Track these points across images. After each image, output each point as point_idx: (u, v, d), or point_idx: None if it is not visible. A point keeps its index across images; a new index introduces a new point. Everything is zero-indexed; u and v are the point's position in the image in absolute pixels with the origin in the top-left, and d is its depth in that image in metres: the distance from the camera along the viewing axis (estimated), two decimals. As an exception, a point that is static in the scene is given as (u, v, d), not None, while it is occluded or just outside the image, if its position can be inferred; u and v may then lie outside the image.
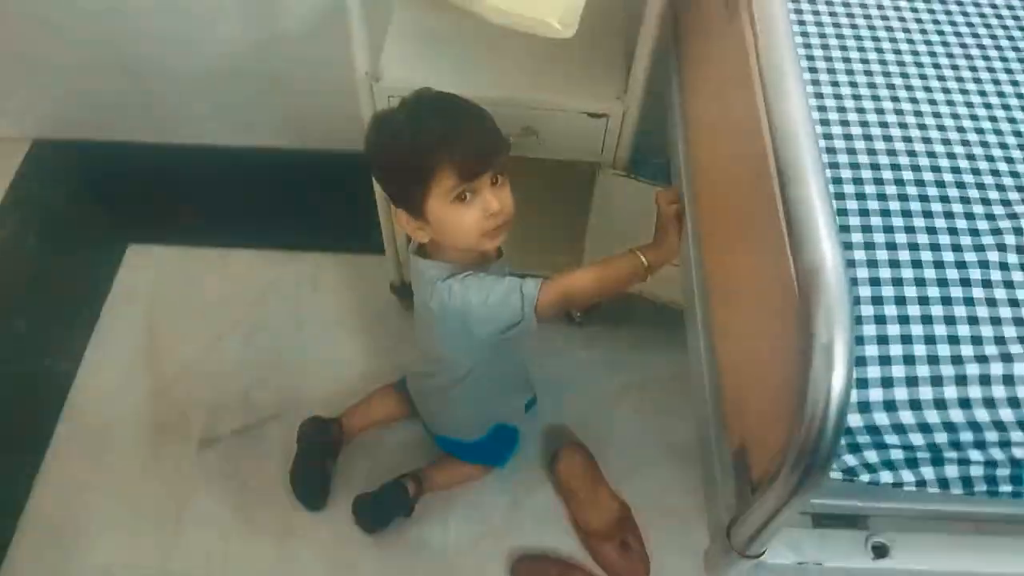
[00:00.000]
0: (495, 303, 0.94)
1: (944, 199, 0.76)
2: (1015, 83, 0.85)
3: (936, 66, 0.87)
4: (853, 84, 0.84)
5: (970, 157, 0.79)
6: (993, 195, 0.76)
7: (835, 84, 0.84)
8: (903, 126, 0.81)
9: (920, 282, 0.70)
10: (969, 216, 0.75)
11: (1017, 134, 0.81)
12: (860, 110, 0.82)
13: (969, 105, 0.83)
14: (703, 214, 0.87)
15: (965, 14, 0.93)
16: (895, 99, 0.83)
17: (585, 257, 1.33)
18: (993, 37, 0.90)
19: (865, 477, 0.64)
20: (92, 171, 1.80)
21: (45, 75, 1.66)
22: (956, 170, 0.78)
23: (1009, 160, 0.79)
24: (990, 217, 0.75)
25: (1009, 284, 0.71)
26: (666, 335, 1.54)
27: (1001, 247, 0.73)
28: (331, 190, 1.75)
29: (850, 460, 0.64)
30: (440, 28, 1.20)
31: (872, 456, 0.64)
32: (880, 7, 0.93)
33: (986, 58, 0.88)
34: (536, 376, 1.47)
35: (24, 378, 1.48)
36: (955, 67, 0.87)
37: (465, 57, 1.17)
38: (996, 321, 0.68)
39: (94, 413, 1.45)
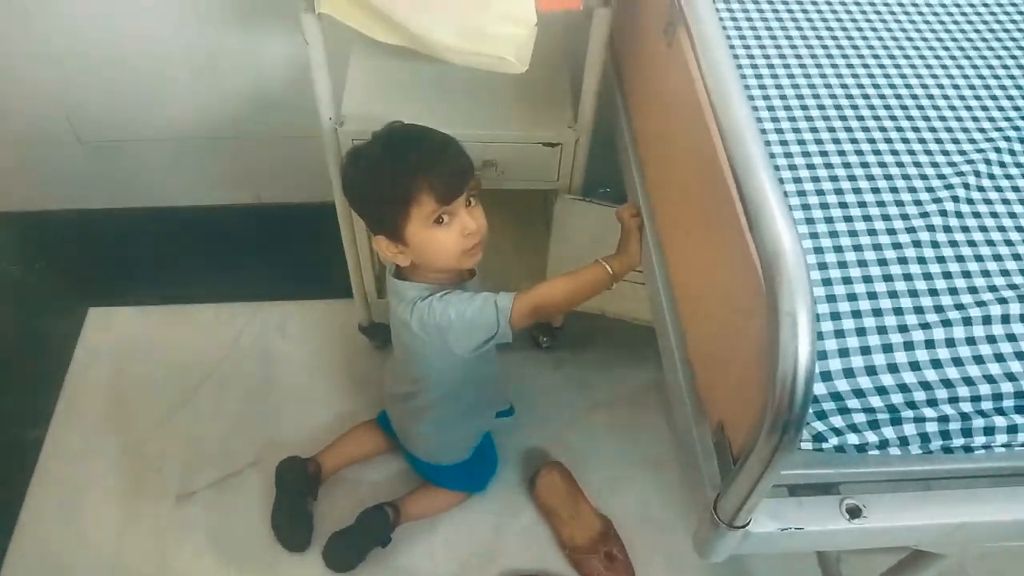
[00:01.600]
0: (472, 317, 0.99)
1: (876, 190, 0.84)
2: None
3: (866, 46, 0.99)
4: (790, 76, 0.94)
5: (894, 153, 0.88)
6: (918, 183, 0.85)
7: (775, 77, 0.93)
8: (840, 116, 0.90)
9: (863, 263, 0.78)
10: (899, 203, 0.83)
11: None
12: (790, 108, 0.91)
13: (898, 96, 0.94)
14: (661, 223, 0.94)
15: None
16: (836, 82, 0.94)
17: (548, 272, 1.39)
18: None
19: (833, 440, 0.70)
20: (47, 240, 1.80)
21: (-3, 149, 1.67)
22: (883, 164, 0.87)
23: (928, 152, 0.88)
24: (917, 203, 0.84)
25: (941, 259, 0.79)
26: (631, 354, 1.62)
27: (930, 228, 0.81)
28: (291, 241, 1.78)
29: (818, 426, 0.70)
30: (396, 73, 1.27)
31: (837, 421, 0.70)
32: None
33: (908, 38, 1.01)
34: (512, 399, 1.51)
35: (-10, 448, 1.45)
36: (885, 47, 0.99)
37: (422, 99, 1.23)
38: (933, 292, 0.76)
39: (65, 478, 1.42)
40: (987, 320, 0.74)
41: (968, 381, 0.71)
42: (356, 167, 1.01)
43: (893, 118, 0.91)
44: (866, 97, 0.93)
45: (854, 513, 0.74)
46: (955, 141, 0.90)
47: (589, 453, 1.49)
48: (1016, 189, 0.86)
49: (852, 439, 0.70)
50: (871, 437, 0.70)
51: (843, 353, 0.72)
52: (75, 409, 1.51)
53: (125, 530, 1.37)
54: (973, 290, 0.77)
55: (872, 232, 0.80)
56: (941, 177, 0.86)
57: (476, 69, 1.18)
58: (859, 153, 0.87)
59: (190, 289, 1.69)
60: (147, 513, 1.39)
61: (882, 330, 0.73)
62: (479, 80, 1.25)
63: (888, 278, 0.77)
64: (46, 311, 1.67)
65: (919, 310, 0.75)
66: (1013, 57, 1.00)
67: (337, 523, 1.34)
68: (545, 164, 1.23)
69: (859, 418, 0.70)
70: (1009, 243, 0.81)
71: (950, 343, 0.73)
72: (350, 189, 1.04)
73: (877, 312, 0.74)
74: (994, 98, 0.95)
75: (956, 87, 0.96)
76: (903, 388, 0.71)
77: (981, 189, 0.85)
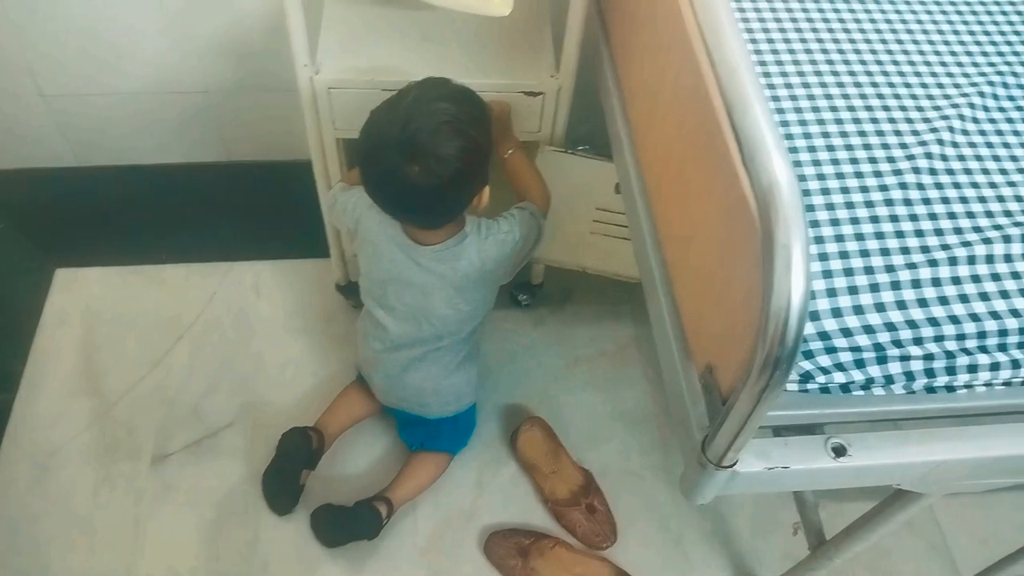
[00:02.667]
0: (526, 232, 1.12)
1: (863, 133, 0.84)
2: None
3: None
4: (777, 20, 0.93)
5: (880, 97, 0.88)
6: (904, 127, 0.85)
7: (762, 20, 0.92)
8: (827, 60, 0.90)
9: (849, 205, 0.78)
10: (886, 146, 0.83)
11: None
12: (789, 40, 0.90)
13: (884, 41, 0.94)
14: (647, 167, 0.93)
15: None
16: (823, 27, 0.93)
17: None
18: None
19: (820, 379, 0.70)
20: (10, 200, 1.73)
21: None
22: (869, 108, 0.86)
23: (914, 96, 0.88)
24: (903, 146, 0.84)
25: (927, 201, 0.79)
26: (610, 310, 1.62)
27: (916, 170, 0.81)
28: (264, 200, 1.74)
29: (805, 365, 0.70)
30: (371, 20, 1.23)
31: (824, 360, 0.70)
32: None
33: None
34: (490, 358, 1.51)
35: (-43, 413, 1.41)
36: None
37: (400, 47, 1.20)
38: (919, 233, 0.77)
39: (37, 441, 1.39)
40: (972, 260, 0.75)
41: (954, 320, 0.72)
42: (469, 131, 0.98)
43: (879, 63, 0.90)
44: (852, 42, 0.93)
45: (839, 452, 0.75)
46: (940, 86, 0.90)
47: (569, 408, 1.50)
48: (999, 132, 0.86)
49: (838, 378, 0.70)
50: (857, 376, 0.71)
51: (831, 293, 0.72)
52: (44, 372, 1.47)
53: (99, 493, 1.34)
54: (959, 231, 0.77)
55: (859, 175, 0.80)
56: (927, 121, 0.86)
57: (455, 15, 1.16)
58: (846, 97, 0.87)
59: (161, 249, 1.65)
60: (122, 475, 1.36)
61: (869, 270, 0.73)
62: (458, 27, 1.23)
63: (875, 219, 0.77)
64: (11, 273, 1.62)
65: (905, 251, 0.75)
66: (997, 3, 1.00)
67: (318, 492, 1.33)
68: (527, 113, 1.21)
69: (845, 357, 0.71)
70: (993, 185, 0.81)
71: (936, 283, 0.73)
72: (470, 156, 0.98)
73: (864, 253, 0.74)
74: (978, 43, 0.95)
75: (941, 32, 0.95)
76: (890, 327, 0.71)
77: (965, 132, 0.85)
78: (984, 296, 0.73)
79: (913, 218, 0.77)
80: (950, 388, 0.74)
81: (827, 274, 0.73)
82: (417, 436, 1.35)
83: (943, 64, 0.92)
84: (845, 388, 0.72)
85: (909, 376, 0.72)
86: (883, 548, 1.37)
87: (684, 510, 1.40)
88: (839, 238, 0.75)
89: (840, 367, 0.71)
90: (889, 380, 0.72)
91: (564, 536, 1.35)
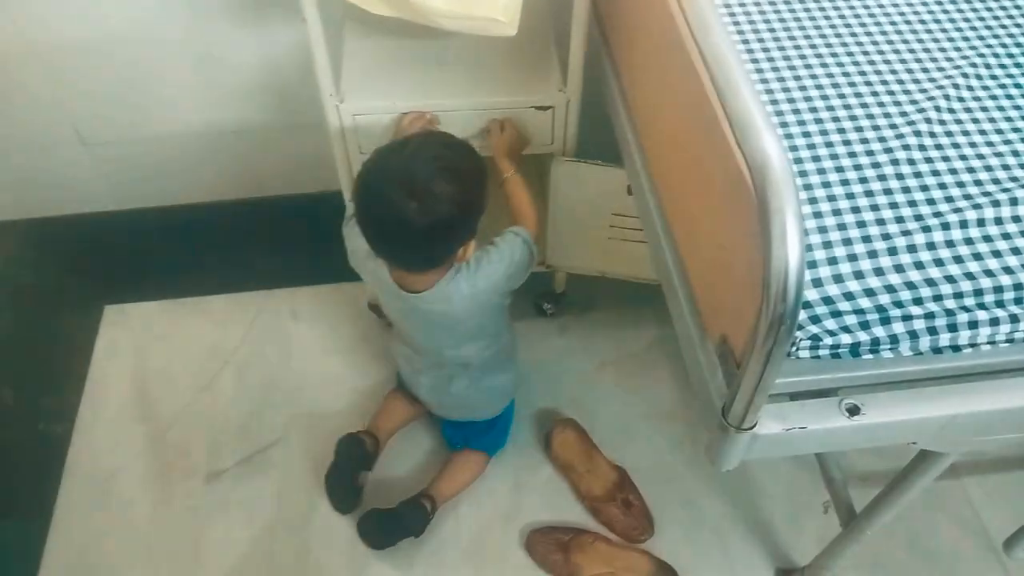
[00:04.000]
0: (519, 258, 1.15)
1: (853, 118, 0.90)
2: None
3: None
4: (765, 19, 1.00)
5: (868, 84, 0.94)
6: (892, 109, 0.91)
7: (748, 14, 1.00)
8: (814, 44, 0.96)
9: (844, 181, 0.84)
10: (876, 127, 0.89)
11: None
12: (774, 30, 0.97)
13: (868, 34, 0.99)
14: (654, 164, 0.99)
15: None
16: (806, 16, 1.00)
17: (548, 237, 1.44)
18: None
19: (828, 341, 0.75)
20: (60, 244, 1.84)
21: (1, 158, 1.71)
22: (859, 95, 0.92)
23: (900, 81, 0.94)
24: (892, 127, 0.89)
25: (918, 174, 0.85)
26: (633, 314, 1.67)
27: (906, 147, 0.87)
28: (297, 230, 1.82)
29: (813, 329, 0.75)
30: (388, 50, 1.32)
31: (831, 323, 0.75)
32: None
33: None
34: (520, 366, 1.56)
35: (20, 445, 1.50)
36: None
37: (416, 72, 1.28)
38: (912, 203, 0.82)
39: (96, 467, 1.47)
40: (964, 224, 0.80)
41: (950, 279, 0.77)
42: (466, 180, 1.02)
43: (865, 51, 0.97)
44: (834, 27, 0.99)
45: (853, 411, 0.79)
46: (925, 70, 0.95)
47: (599, 410, 1.54)
48: (984, 108, 0.91)
49: (845, 339, 0.75)
50: (863, 336, 0.76)
51: (831, 261, 0.77)
52: (99, 402, 1.56)
53: (157, 512, 1.42)
54: (949, 199, 0.82)
55: (851, 154, 0.86)
56: (913, 102, 0.92)
57: (466, 41, 1.24)
58: (836, 85, 0.93)
59: (202, 282, 1.74)
60: (178, 494, 1.44)
61: (866, 239, 0.79)
62: (469, 51, 1.31)
63: (869, 193, 0.82)
64: (64, 312, 1.72)
65: (899, 219, 0.80)
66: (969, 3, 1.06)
67: (377, 491, 1.40)
68: (539, 128, 1.28)
69: (851, 320, 0.76)
70: (980, 156, 0.86)
71: (931, 246, 0.78)
72: (464, 204, 1.02)
73: (861, 224, 0.80)
74: (959, 29, 1.01)
75: (923, 22, 1.01)
76: (889, 289, 0.76)
77: (951, 111, 0.91)
78: (977, 256, 0.78)
79: (905, 190, 0.83)
80: (955, 348, 0.79)
81: (827, 244, 0.78)
82: (460, 436, 1.42)
83: (926, 50, 0.97)
84: (854, 350, 0.77)
85: (913, 335, 0.76)
86: (919, 528, 1.40)
87: (719, 501, 1.44)
88: (836, 211, 0.80)
89: (846, 329, 0.75)
90: (894, 340, 0.76)
91: (603, 532, 1.39)
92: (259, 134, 1.74)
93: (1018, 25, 1.01)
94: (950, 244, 0.79)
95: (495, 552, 1.38)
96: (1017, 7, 1.03)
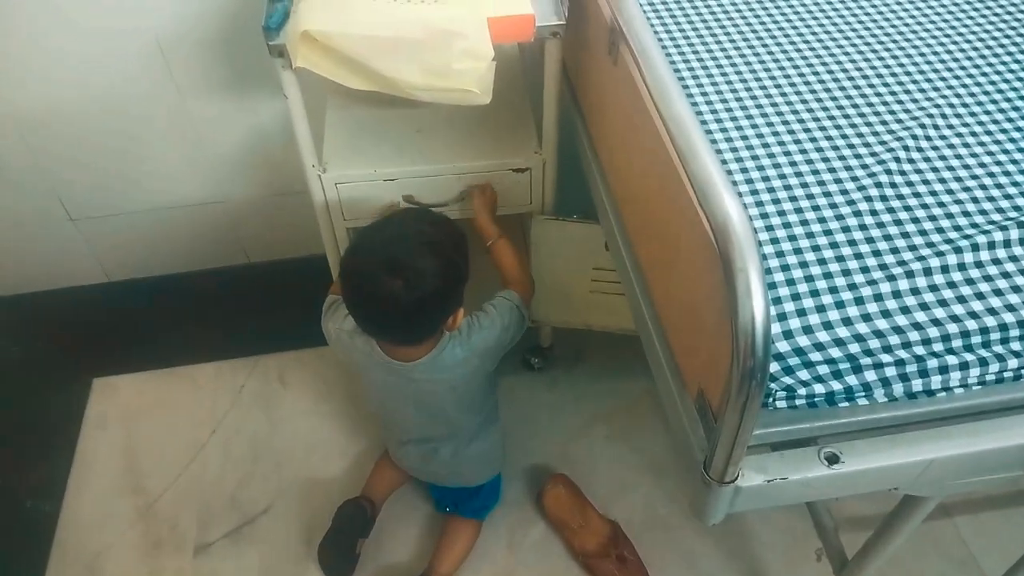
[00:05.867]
0: (508, 321, 1.18)
1: (815, 172, 0.93)
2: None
3: (796, 33, 1.11)
4: (723, 73, 1.05)
5: (829, 138, 0.97)
6: (853, 162, 0.94)
7: (709, 75, 1.05)
8: (772, 103, 1.01)
9: (810, 235, 0.86)
10: (838, 180, 0.92)
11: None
12: (736, 90, 1.02)
13: (822, 82, 1.04)
14: (628, 222, 1.02)
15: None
16: (764, 73, 1.05)
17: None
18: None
19: (802, 391, 0.77)
20: (46, 318, 1.85)
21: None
22: (820, 149, 0.96)
23: (860, 135, 0.97)
24: (854, 179, 0.93)
25: (880, 224, 0.88)
26: (621, 366, 1.69)
27: (867, 198, 0.90)
28: (282, 295, 1.84)
29: (787, 380, 0.77)
30: (368, 121, 1.36)
31: (804, 374, 0.77)
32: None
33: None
34: (509, 422, 1.57)
35: (7, 524, 1.48)
36: (814, 33, 1.12)
37: (396, 140, 1.32)
38: (876, 252, 0.85)
39: (84, 544, 1.45)
40: (928, 272, 0.82)
41: (916, 326, 0.79)
42: (448, 252, 1.05)
43: (821, 102, 1.01)
44: (793, 84, 1.03)
45: (832, 460, 0.80)
46: (883, 123, 0.99)
47: (591, 464, 1.54)
48: (942, 158, 0.95)
49: (819, 388, 0.77)
50: (836, 386, 0.77)
51: (800, 313, 0.79)
52: (88, 476, 1.55)
53: (147, 588, 1.40)
54: (912, 248, 0.85)
55: (816, 208, 0.89)
56: (873, 155, 0.95)
57: (443, 108, 1.28)
58: (797, 142, 0.96)
59: (190, 351, 1.74)
60: (168, 568, 1.42)
61: (833, 290, 0.81)
62: (445, 119, 1.35)
63: (834, 245, 0.85)
64: (51, 386, 1.72)
65: (865, 269, 0.83)
66: (935, 37, 1.11)
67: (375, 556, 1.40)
68: (517, 189, 1.31)
69: (823, 369, 0.77)
70: (941, 204, 0.89)
71: (896, 295, 0.81)
72: (448, 275, 1.05)
73: (827, 275, 0.82)
74: (915, 82, 1.05)
75: (880, 75, 1.05)
76: (858, 338, 0.78)
77: (911, 161, 0.94)
78: (943, 303, 0.80)
79: (869, 240, 0.85)
80: (929, 392, 0.80)
81: (795, 296, 0.80)
82: (449, 499, 1.41)
83: (884, 103, 1.01)
84: (830, 399, 0.78)
85: (885, 382, 0.78)
86: (913, 570, 1.39)
87: (714, 553, 1.43)
88: (803, 264, 0.83)
89: (819, 379, 0.77)
90: (867, 388, 0.78)
91: (598, 589, 1.38)
92: (244, 203, 1.77)
93: (971, 76, 1.05)
94: (915, 292, 0.81)
95: (492, 614, 1.36)
96: (968, 57, 1.08)
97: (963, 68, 1.06)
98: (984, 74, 1.05)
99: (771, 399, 0.78)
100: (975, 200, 0.90)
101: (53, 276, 1.85)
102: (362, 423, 1.60)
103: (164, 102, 1.54)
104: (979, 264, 0.84)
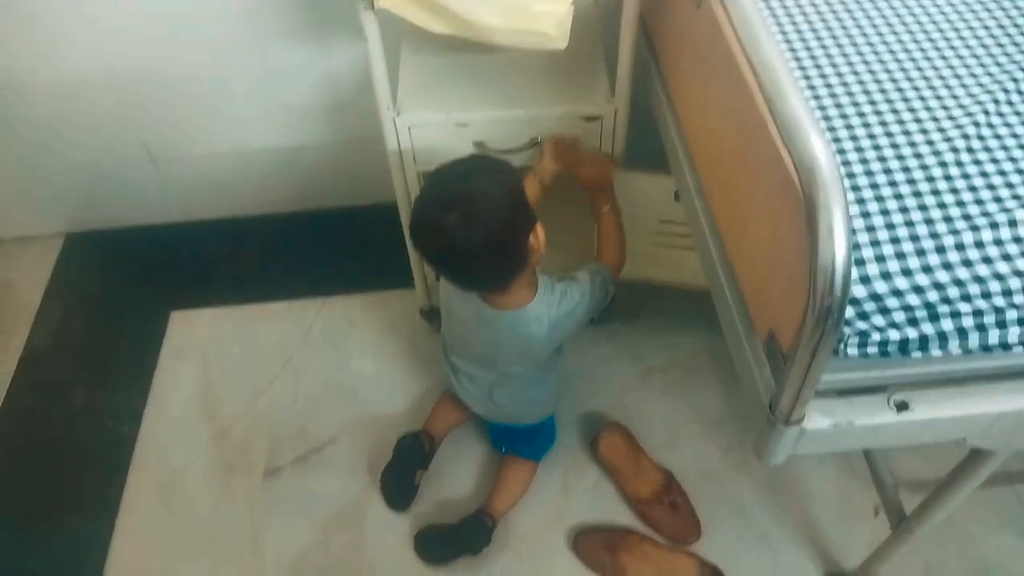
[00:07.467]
0: (599, 295, 1.20)
1: (900, 122, 0.91)
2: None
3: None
4: (812, 28, 1.02)
5: (916, 89, 0.95)
6: (939, 113, 0.92)
7: (794, 23, 1.02)
8: (860, 49, 0.99)
9: (892, 183, 0.85)
10: (924, 131, 0.90)
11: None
12: (821, 38, 1.00)
13: (916, 42, 1.01)
14: (702, 170, 1.02)
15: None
16: (855, 26, 1.02)
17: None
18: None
19: (876, 338, 0.77)
20: (125, 254, 1.94)
21: (71, 173, 1.81)
22: (906, 100, 0.94)
23: (948, 87, 0.95)
24: (940, 130, 0.91)
25: (966, 176, 0.86)
26: (679, 321, 1.69)
27: (954, 149, 0.88)
28: (353, 240, 1.90)
29: (862, 325, 0.77)
30: (442, 66, 1.37)
31: (879, 320, 0.77)
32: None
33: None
34: (567, 372, 1.59)
35: (89, 444, 1.58)
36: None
37: (469, 85, 1.33)
38: (960, 204, 0.83)
39: (160, 465, 1.54)
40: (1012, 223, 0.81)
41: (998, 277, 0.78)
42: (499, 182, 1.04)
43: (909, 52, 0.98)
44: (880, 34, 1.01)
45: (901, 407, 0.81)
46: (973, 75, 0.96)
47: (646, 415, 1.56)
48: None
49: (894, 335, 0.77)
50: (911, 333, 0.77)
51: (879, 259, 0.79)
52: (165, 403, 1.64)
53: (219, 507, 1.48)
54: (998, 199, 0.83)
55: (900, 157, 0.87)
56: (961, 107, 0.93)
57: (514, 55, 1.29)
58: (883, 91, 0.94)
59: (263, 290, 1.81)
60: (239, 489, 1.50)
61: (915, 237, 0.80)
62: (518, 64, 1.36)
63: (917, 193, 0.84)
64: (131, 318, 1.81)
65: (948, 219, 0.82)
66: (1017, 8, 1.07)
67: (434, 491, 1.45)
68: (588, 137, 1.32)
69: (899, 316, 0.77)
70: (1029, 158, 0.87)
71: (979, 245, 0.80)
72: (509, 203, 1.03)
73: (908, 223, 0.81)
74: (1000, 45, 1.01)
75: (963, 38, 1.02)
76: (938, 286, 0.77)
77: (1000, 114, 0.91)
78: (1027, 254, 0.79)
79: (953, 191, 0.84)
80: (1005, 346, 0.80)
81: (874, 243, 0.80)
82: (506, 440, 1.45)
83: (975, 56, 0.98)
84: (903, 347, 0.78)
85: (962, 333, 0.78)
86: (972, 535, 1.38)
87: (767, 505, 1.45)
88: (883, 211, 0.82)
89: (894, 325, 0.77)
90: (943, 337, 0.78)
91: (650, 534, 1.41)
92: (316, 149, 1.82)
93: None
94: (998, 242, 0.80)
95: (544, 552, 1.41)
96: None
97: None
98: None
99: (843, 344, 0.78)
100: (1066, 155, 0.88)
101: (134, 214, 1.93)
102: (425, 364, 1.65)
103: (244, 49, 1.58)
104: (1067, 218, 0.82)
